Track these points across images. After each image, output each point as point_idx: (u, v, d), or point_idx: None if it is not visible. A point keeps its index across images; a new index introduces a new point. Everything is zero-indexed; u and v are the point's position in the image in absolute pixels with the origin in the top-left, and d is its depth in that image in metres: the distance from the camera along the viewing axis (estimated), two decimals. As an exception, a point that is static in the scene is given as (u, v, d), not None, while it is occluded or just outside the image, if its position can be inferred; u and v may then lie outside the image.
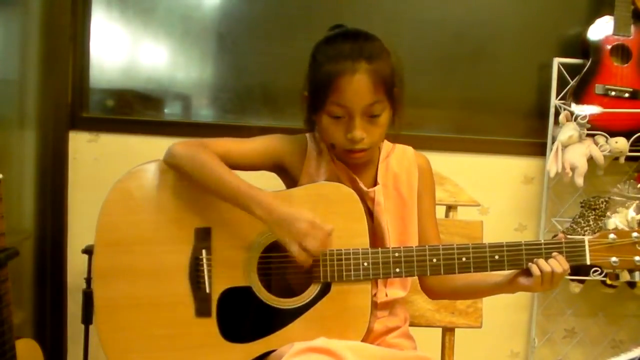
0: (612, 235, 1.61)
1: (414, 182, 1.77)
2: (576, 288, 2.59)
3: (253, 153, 1.73)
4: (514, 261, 1.62)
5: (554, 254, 1.60)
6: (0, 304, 1.78)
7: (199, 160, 1.64)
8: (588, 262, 1.60)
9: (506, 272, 1.66)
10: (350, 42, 1.62)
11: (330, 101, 1.59)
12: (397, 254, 1.63)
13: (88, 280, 2.41)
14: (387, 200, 1.74)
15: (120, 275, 1.67)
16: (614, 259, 1.61)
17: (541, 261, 1.59)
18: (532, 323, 2.72)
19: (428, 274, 1.67)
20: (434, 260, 1.63)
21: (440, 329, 2.01)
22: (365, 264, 1.62)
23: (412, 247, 1.65)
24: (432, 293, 1.83)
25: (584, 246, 1.61)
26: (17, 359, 1.83)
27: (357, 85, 1.58)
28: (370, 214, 1.72)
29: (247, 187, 1.60)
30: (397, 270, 1.63)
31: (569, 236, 1.64)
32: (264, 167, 1.76)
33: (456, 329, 2.00)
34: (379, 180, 1.75)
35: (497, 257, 1.62)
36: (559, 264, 1.59)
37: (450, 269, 1.63)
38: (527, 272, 1.61)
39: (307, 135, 1.78)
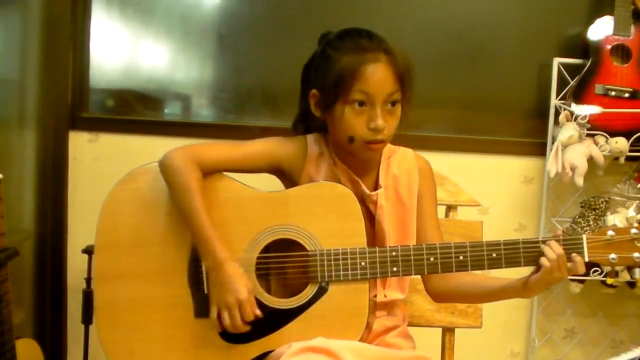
0: (610, 232, 1.60)
1: (414, 184, 1.77)
2: (576, 288, 2.59)
3: (251, 156, 1.73)
4: (512, 259, 1.61)
5: (548, 241, 1.59)
6: (0, 304, 1.78)
7: (184, 183, 1.64)
8: (586, 259, 1.59)
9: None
10: (366, 37, 1.65)
11: (355, 89, 1.61)
12: (394, 253, 1.63)
13: (88, 280, 2.42)
14: (387, 203, 1.74)
15: (120, 276, 1.67)
16: (612, 255, 1.60)
17: (546, 249, 1.58)
18: (532, 323, 2.72)
19: (425, 273, 1.67)
20: (432, 259, 1.63)
21: (440, 329, 2.01)
22: (363, 263, 1.62)
23: (409, 245, 1.65)
24: (438, 296, 1.82)
25: (582, 243, 1.60)
26: (17, 359, 1.83)
27: (381, 73, 1.62)
28: (372, 217, 1.72)
29: (210, 234, 1.61)
30: (395, 269, 1.63)
31: (567, 234, 1.64)
32: (263, 170, 1.76)
33: (456, 329, 2.00)
34: (380, 182, 1.75)
35: (494, 255, 1.62)
36: (557, 247, 1.58)
37: (448, 268, 1.63)
38: (537, 270, 1.60)
39: (307, 137, 1.78)
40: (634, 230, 1.60)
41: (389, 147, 1.78)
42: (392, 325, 1.77)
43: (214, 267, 1.60)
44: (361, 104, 1.62)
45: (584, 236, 1.61)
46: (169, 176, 1.66)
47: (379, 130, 1.62)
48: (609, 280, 2.51)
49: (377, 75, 1.61)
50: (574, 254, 1.58)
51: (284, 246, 1.66)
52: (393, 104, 1.64)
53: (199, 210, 1.62)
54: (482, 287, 1.73)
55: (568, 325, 2.77)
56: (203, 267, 1.65)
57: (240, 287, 1.59)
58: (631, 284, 2.57)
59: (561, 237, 1.61)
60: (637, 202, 2.49)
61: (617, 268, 2.45)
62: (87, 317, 2.43)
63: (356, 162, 1.72)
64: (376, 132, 1.63)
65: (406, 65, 1.67)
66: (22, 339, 1.89)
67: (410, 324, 1.89)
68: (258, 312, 1.60)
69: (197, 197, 1.63)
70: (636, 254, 1.60)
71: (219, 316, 1.61)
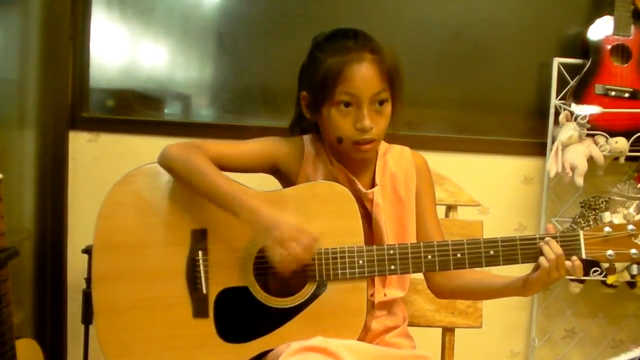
0: (607, 229, 1.60)
1: (412, 182, 1.78)
2: (576, 288, 2.59)
3: (248, 155, 1.74)
4: (509, 256, 1.61)
5: (547, 239, 1.59)
6: (0, 304, 1.78)
7: (190, 162, 1.64)
8: (583, 256, 1.59)
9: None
10: (352, 38, 1.66)
11: (339, 91, 1.61)
12: (391, 251, 1.63)
13: (88, 280, 2.41)
14: (384, 201, 1.74)
15: (118, 277, 1.68)
16: (609, 252, 1.59)
17: (545, 249, 1.58)
18: (532, 323, 2.72)
19: (423, 271, 1.68)
20: (429, 256, 1.63)
21: (440, 329, 2.01)
22: (360, 261, 1.62)
23: (406, 244, 1.65)
24: (440, 292, 1.83)
25: (579, 239, 1.60)
26: (17, 359, 1.83)
27: (365, 73, 1.62)
28: (369, 215, 1.73)
29: (235, 190, 1.60)
30: (392, 267, 1.63)
31: (563, 232, 1.63)
32: (260, 169, 1.76)
33: (456, 329, 2.00)
34: (377, 181, 1.75)
35: (492, 252, 1.62)
36: (556, 246, 1.58)
37: (445, 265, 1.63)
38: (536, 269, 1.60)
39: (304, 137, 1.78)
40: (630, 227, 1.60)
41: (383, 145, 1.79)
42: (393, 325, 1.78)
43: (253, 215, 1.57)
44: (347, 105, 1.63)
45: (581, 232, 1.60)
46: (173, 163, 1.66)
47: (366, 130, 1.62)
48: (609, 280, 2.51)
49: (362, 76, 1.61)
50: (574, 257, 1.58)
51: (282, 245, 1.66)
52: (381, 103, 1.65)
53: (215, 176, 1.62)
54: (483, 285, 1.73)
55: (568, 325, 2.77)
56: (201, 267, 1.66)
57: (284, 220, 1.57)
58: (631, 284, 2.56)
59: (558, 235, 1.61)
60: (637, 202, 2.49)
61: (618, 268, 2.45)
62: (87, 317, 2.43)
63: (352, 161, 1.73)
64: (363, 132, 1.63)
65: (394, 63, 1.67)
66: (22, 339, 1.89)
67: (410, 324, 1.89)
68: (315, 234, 1.58)
69: (208, 167, 1.63)
70: (633, 250, 1.59)
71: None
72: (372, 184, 1.76)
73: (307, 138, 1.78)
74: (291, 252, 1.55)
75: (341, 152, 1.71)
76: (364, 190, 1.72)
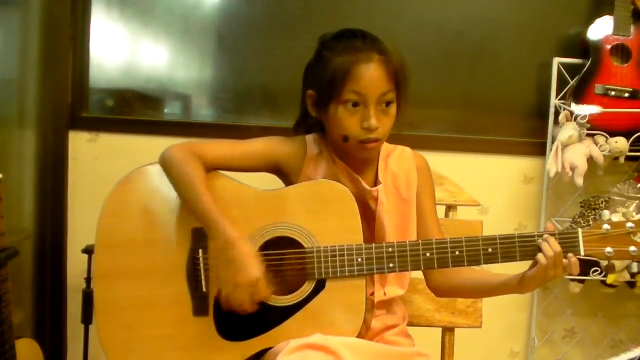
0: (606, 226, 1.60)
1: (413, 182, 1.78)
2: (576, 288, 2.59)
3: (250, 155, 1.74)
4: (508, 254, 1.62)
5: (545, 236, 1.59)
6: (0, 304, 1.78)
7: (184, 172, 1.65)
8: (582, 253, 1.59)
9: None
10: (360, 38, 1.66)
11: (348, 90, 1.62)
12: (390, 249, 1.63)
13: (88, 280, 2.42)
14: (388, 200, 1.75)
15: (120, 276, 1.68)
16: (608, 249, 1.60)
17: (544, 246, 1.58)
18: (532, 323, 2.72)
19: (422, 269, 1.68)
20: (428, 254, 1.63)
21: (440, 329, 2.01)
22: (360, 259, 1.63)
23: (405, 242, 1.65)
24: (439, 291, 1.83)
25: (578, 237, 1.60)
26: (17, 359, 1.83)
27: (373, 73, 1.62)
28: (372, 214, 1.73)
29: (217, 215, 1.61)
30: (391, 265, 1.63)
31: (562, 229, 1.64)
32: (262, 169, 1.77)
33: (456, 329, 2.00)
34: (380, 179, 1.75)
35: (490, 250, 1.62)
36: (555, 244, 1.58)
37: (444, 263, 1.63)
38: (533, 266, 1.60)
39: (307, 137, 1.79)
40: (629, 224, 1.60)
41: (386, 146, 1.79)
42: (392, 324, 1.78)
43: (226, 245, 1.59)
44: (355, 104, 1.63)
45: (580, 230, 1.61)
46: (170, 169, 1.68)
47: (372, 130, 1.63)
48: (609, 280, 2.51)
49: (370, 76, 1.62)
50: (570, 255, 1.58)
51: (282, 244, 1.67)
52: (387, 104, 1.65)
53: (204, 195, 1.63)
54: (481, 283, 1.74)
55: (568, 325, 2.77)
56: (201, 266, 1.66)
57: (255, 265, 1.58)
58: (631, 284, 2.56)
59: (556, 232, 1.61)
60: (637, 202, 2.49)
61: (617, 268, 2.45)
62: (87, 317, 2.43)
63: (355, 161, 1.73)
64: (370, 132, 1.64)
65: (401, 65, 1.68)
66: (22, 339, 1.88)
67: (410, 324, 1.89)
68: (269, 292, 1.61)
69: (200, 184, 1.64)
70: (632, 248, 1.59)
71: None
72: (375, 184, 1.76)
73: (309, 138, 1.78)
74: (236, 297, 1.59)
75: (345, 151, 1.71)
76: (368, 188, 1.73)
